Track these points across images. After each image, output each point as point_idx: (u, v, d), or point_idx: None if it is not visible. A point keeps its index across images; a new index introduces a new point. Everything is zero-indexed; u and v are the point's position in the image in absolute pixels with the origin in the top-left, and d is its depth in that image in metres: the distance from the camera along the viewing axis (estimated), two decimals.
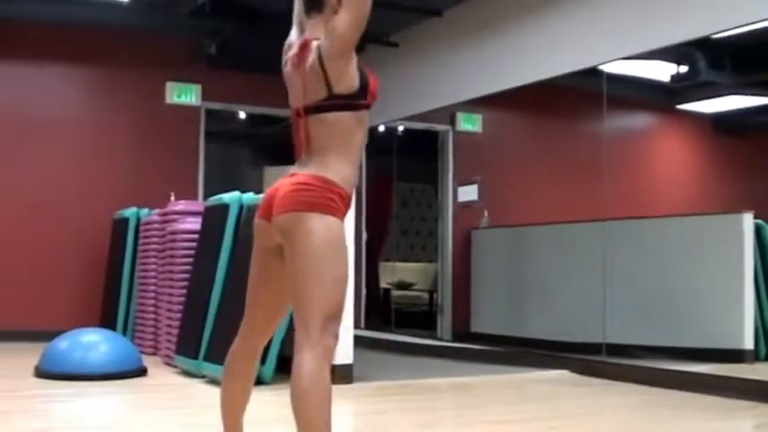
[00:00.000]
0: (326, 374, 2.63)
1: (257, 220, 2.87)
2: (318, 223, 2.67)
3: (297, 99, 2.85)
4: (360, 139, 2.82)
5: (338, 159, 2.76)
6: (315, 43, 2.78)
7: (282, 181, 2.82)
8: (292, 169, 2.84)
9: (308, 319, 2.66)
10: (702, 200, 8.78)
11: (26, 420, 4.41)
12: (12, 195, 8.46)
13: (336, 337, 2.69)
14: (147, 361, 6.34)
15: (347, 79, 2.75)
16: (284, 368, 5.47)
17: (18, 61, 8.69)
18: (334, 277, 2.68)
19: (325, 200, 2.69)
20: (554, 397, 5.69)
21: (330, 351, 2.67)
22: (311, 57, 2.77)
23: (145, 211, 7.83)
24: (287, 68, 2.90)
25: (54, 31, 8.53)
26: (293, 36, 2.94)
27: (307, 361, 2.61)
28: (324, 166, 2.74)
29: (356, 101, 2.77)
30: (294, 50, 2.86)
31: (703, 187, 9.02)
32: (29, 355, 6.18)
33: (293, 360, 2.65)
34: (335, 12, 2.75)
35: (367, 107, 2.82)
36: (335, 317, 2.69)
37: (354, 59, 2.78)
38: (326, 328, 2.65)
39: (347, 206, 2.76)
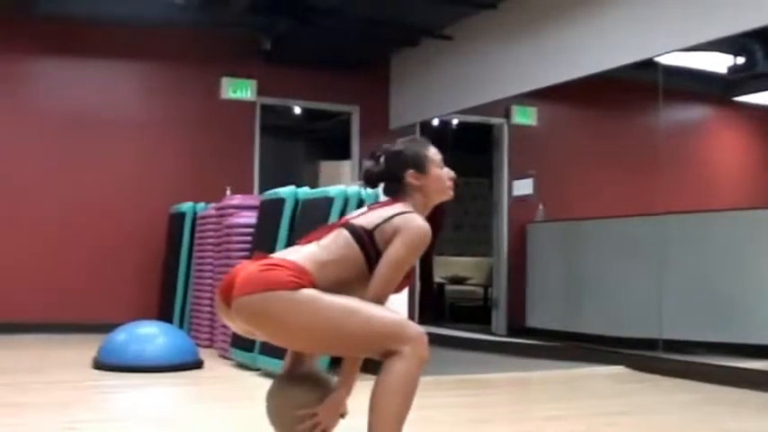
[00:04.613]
0: (415, 379, 2.64)
1: (217, 300, 2.82)
2: (279, 301, 2.60)
3: (352, 215, 2.91)
4: (348, 288, 2.73)
5: (323, 272, 2.69)
6: (401, 211, 2.82)
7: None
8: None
9: (384, 352, 2.63)
10: (761, 193, 8.65)
11: (85, 411, 4.48)
12: (72, 192, 8.61)
13: (419, 339, 2.65)
14: (203, 354, 6.40)
15: (388, 244, 2.74)
16: (338, 361, 5.50)
17: (75, 60, 8.82)
18: (340, 324, 2.61)
19: (286, 276, 2.61)
20: (610, 393, 5.64)
21: (423, 359, 2.65)
22: (390, 210, 2.82)
23: (201, 205, 7.91)
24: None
25: (111, 30, 8.64)
26: None
27: (397, 363, 2.61)
28: (306, 262, 2.69)
29: (376, 261, 2.74)
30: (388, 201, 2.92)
31: (762, 180, 8.88)
32: (88, 347, 6.27)
33: (385, 362, 2.65)
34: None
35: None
36: (395, 329, 2.64)
37: None
38: (403, 340, 2.62)
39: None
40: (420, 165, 2.93)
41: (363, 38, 8.84)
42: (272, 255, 2.79)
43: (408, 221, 2.76)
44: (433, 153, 2.99)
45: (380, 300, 2.72)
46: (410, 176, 2.91)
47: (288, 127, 11.11)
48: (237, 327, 2.78)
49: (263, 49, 8.88)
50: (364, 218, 2.82)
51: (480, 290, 10.49)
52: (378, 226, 2.76)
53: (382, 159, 2.97)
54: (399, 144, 3.00)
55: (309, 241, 2.82)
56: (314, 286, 2.64)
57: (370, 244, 2.74)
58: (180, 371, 5.83)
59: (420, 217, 2.82)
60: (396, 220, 2.76)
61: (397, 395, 2.60)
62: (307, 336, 2.65)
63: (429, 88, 9.01)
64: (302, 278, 2.62)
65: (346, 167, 9.52)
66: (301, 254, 2.73)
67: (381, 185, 2.99)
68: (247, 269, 2.70)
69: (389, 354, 2.62)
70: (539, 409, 4.98)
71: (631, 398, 5.42)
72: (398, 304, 5.59)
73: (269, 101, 9.46)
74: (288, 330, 2.64)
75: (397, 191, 2.93)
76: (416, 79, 9.14)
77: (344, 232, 2.78)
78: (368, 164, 3.00)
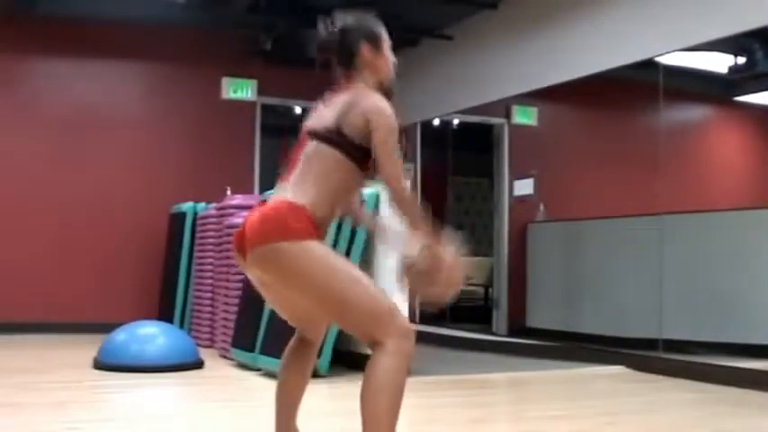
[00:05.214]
0: (403, 374, 2.62)
1: (234, 253, 2.83)
2: (294, 251, 2.61)
3: (310, 121, 2.88)
4: (346, 187, 2.78)
5: (317, 193, 2.71)
6: (356, 93, 2.82)
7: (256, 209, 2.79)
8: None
9: (369, 335, 2.63)
10: (761, 193, 8.64)
11: (85, 411, 4.49)
12: (72, 192, 8.62)
13: (406, 333, 2.65)
14: (204, 353, 6.41)
15: (359, 130, 2.74)
16: (340, 361, 5.50)
17: (76, 60, 8.84)
18: (345, 289, 2.63)
19: (295, 223, 2.63)
20: (610, 393, 5.64)
21: (408, 354, 2.64)
22: (348, 96, 2.81)
23: (201, 205, 7.91)
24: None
25: (111, 29, 8.65)
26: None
27: (383, 359, 2.60)
28: (299, 194, 2.70)
29: (355, 151, 2.74)
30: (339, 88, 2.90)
31: (762, 180, 8.87)
32: (89, 347, 6.28)
33: (371, 357, 2.64)
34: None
35: (362, 167, 2.77)
36: (385, 316, 2.63)
37: None
38: (390, 332, 2.61)
39: (318, 232, 2.68)
40: (375, 41, 2.93)
41: None
42: (271, 197, 2.79)
43: (372, 105, 2.75)
44: (385, 34, 2.98)
45: (400, 180, 2.69)
46: (366, 50, 2.90)
47: (288, 127, 11.10)
48: (254, 276, 2.78)
49: (263, 49, 8.89)
50: (323, 118, 2.81)
51: (481, 290, 10.46)
52: (340, 117, 2.75)
53: (336, 30, 2.94)
54: (354, 18, 2.97)
55: (289, 175, 2.81)
56: (312, 216, 2.65)
57: (341, 139, 2.73)
58: (180, 371, 5.83)
59: (375, 93, 2.83)
60: (358, 105, 2.75)
61: (386, 391, 2.57)
62: (312, 286, 2.63)
63: (429, 88, 9.01)
64: (300, 217, 2.63)
65: None
66: (290, 191, 2.73)
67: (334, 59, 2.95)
68: (254, 216, 2.71)
69: (375, 343, 2.61)
70: (539, 409, 4.98)
71: (631, 398, 5.42)
72: (398, 304, 5.61)
73: (269, 101, 9.47)
74: (297, 277, 2.63)
75: (348, 64, 2.91)
76: (416, 79, 9.13)
77: (312, 143, 2.78)
78: (321, 32, 2.96)
